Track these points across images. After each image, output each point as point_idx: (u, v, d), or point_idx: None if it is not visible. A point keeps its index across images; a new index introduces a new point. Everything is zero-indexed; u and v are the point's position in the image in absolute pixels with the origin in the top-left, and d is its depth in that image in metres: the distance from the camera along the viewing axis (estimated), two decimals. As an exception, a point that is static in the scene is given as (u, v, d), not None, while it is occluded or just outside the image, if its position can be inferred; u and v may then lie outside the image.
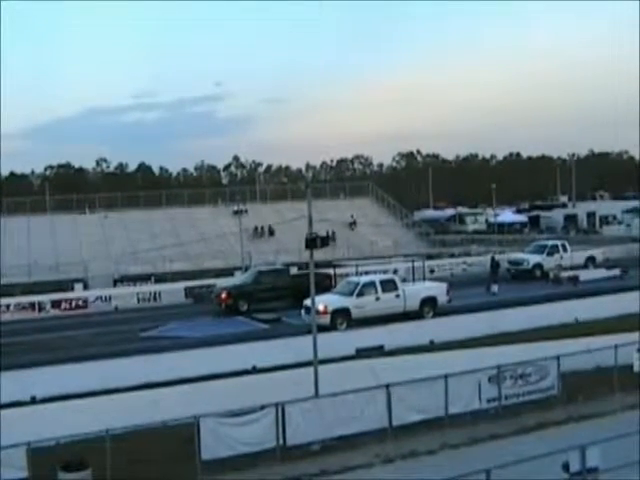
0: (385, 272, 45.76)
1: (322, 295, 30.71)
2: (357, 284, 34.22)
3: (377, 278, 35.74)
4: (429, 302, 34.98)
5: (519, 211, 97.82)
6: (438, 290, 35.89)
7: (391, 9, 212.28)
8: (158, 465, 17.07)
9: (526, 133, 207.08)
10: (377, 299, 33.72)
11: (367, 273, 44.00)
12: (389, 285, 34.51)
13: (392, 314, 33.19)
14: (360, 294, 33.54)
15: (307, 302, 32.53)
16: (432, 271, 51.19)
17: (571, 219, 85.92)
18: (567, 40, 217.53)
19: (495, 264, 47.17)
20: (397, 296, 34.14)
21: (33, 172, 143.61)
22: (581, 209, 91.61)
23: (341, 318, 32.50)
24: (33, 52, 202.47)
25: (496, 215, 78.55)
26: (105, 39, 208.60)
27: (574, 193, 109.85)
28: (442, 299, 35.41)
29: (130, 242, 64.80)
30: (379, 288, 34.01)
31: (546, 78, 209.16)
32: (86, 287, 52.72)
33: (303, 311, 33.18)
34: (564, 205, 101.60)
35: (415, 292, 35.12)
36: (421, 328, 31.29)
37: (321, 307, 30.32)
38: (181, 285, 48.84)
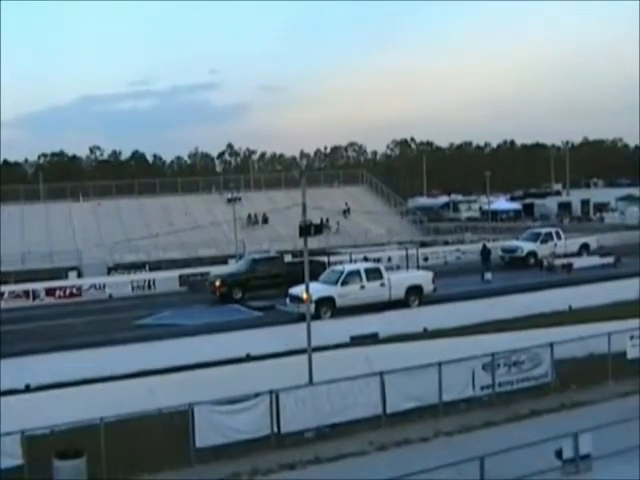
0: (379, 260, 45.91)
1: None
2: (342, 273, 34.10)
3: (362, 267, 35.72)
4: (415, 291, 34.87)
5: (513, 199, 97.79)
6: (424, 279, 35.80)
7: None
8: (153, 453, 17.10)
9: (520, 121, 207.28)
10: (362, 288, 33.63)
11: (366, 259, 44.14)
12: (374, 274, 34.41)
13: (377, 303, 33.18)
14: (345, 283, 33.45)
15: (292, 291, 32.73)
16: (426, 259, 51.24)
17: (565, 207, 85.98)
18: (561, 28, 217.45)
19: (486, 252, 47.20)
20: (382, 285, 34.09)
21: (27, 160, 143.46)
22: (575, 197, 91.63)
23: (325, 307, 32.36)
24: (27, 40, 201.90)
25: (490, 203, 78.38)
26: (100, 27, 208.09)
27: (568, 181, 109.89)
28: (428, 288, 35.30)
29: (124, 230, 64.58)
30: (364, 277, 33.91)
31: (540, 66, 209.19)
32: (80, 275, 52.57)
33: (288, 300, 33.20)
34: (558, 193, 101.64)
35: (400, 281, 35.01)
36: (415, 316, 31.35)
37: (305, 296, 30.32)
38: (175, 273, 48.74)
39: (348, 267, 35.59)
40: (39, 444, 16.39)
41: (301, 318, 29.56)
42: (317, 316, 31.44)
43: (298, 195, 23.31)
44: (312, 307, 31.38)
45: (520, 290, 35.52)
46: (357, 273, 34.15)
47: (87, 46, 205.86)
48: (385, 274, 34.74)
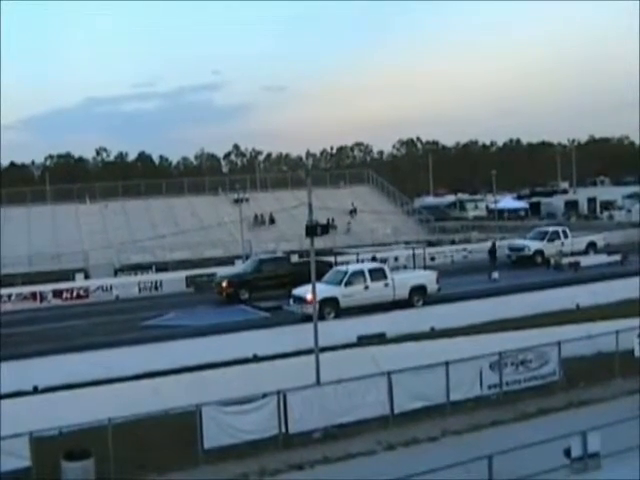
0: (386, 260, 45.86)
1: (310, 285, 30.39)
2: (345, 273, 34.04)
3: (365, 267, 35.65)
4: (418, 291, 34.81)
5: (520, 197, 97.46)
6: (427, 278, 35.76)
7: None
8: (160, 453, 17.13)
9: (526, 119, 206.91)
10: (366, 288, 33.56)
11: (375, 259, 44.06)
12: (378, 274, 34.35)
13: (381, 303, 33.13)
14: (348, 283, 33.38)
15: (295, 291, 32.76)
16: (433, 258, 51.19)
17: (572, 205, 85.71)
18: (566, 25, 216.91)
19: (494, 250, 47.11)
20: (386, 285, 34.04)
21: (33, 162, 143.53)
22: (582, 195, 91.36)
23: (329, 307, 32.20)
24: (31, 42, 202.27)
25: (496, 201, 78.22)
26: (104, 29, 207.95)
27: (574, 179, 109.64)
28: (432, 287, 35.26)
29: (131, 231, 64.69)
30: (368, 277, 33.84)
31: (546, 63, 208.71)
32: (87, 277, 52.67)
33: (291, 300, 33.17)
34: (564, 191, 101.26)
35: (404, 281, 34.94)
36: (422, 315, 31.29)
37: (308, 296, 30.23)
38: (182, 274, 48.81)
39: (352, 267, 35.53)
40: (47, 445, 16.42)
41: (305, 319, 29.60)
42: (321, 317, 31.34)
43: (304, 195, 23.35)
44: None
45: (527, 289, 35.43)
46: (361, 273, 34.10)
47: (91, 48, 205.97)
48: (389, 274, 34.69)
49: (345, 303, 32.87)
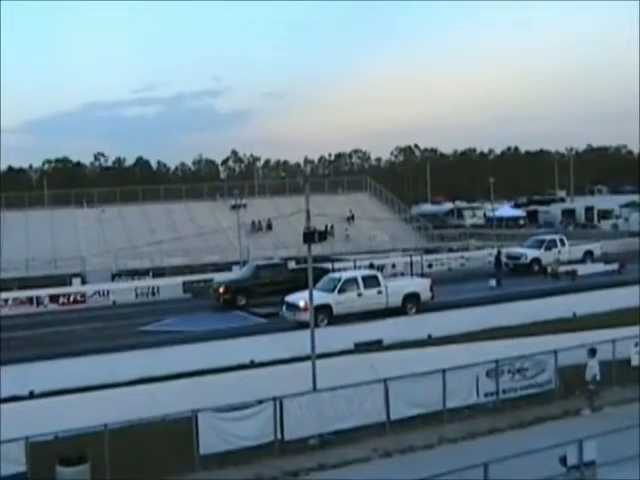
0: (383, 267, 45.89)
1: (303, 292, 30.38)
2: (339, 280, 33.98)
3: (359, 274, 35.61)
4: (412, 298, 34.73)
5: (517, 205, 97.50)
6: (421, 286, 35.71)
7: (390, 4, 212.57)
8: (156, 460, 17.07)
9: (524, 127, 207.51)
10: (359, 295, 33.48)
11: (372, 266, 44.03)
12: (371, 281, 34.29)
13: (374, 310, 33.08)
14: (342, 290, 33.30)
15: (288, 298, 32.66)
16: (430, 265, 51.22)
17: (569, 213, 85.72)
18: (565, 35, 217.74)
19: (497, 258, 47.15)
20: (379, 292, 33.97)
21: (31, 167, 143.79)
22: (579, 203, 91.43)
23: (322, 315, 31.81)
24: (33, 47, 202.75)
25: (494, 209, 78.26)
26: (105, 34, 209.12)
27: (572, 187, 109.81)
28: (425, 295, 35.21)
29: (128, 237, 64.60)
30: (361, 284, 33.78)
31: (544, 72, 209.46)
32: (84, 282, 52.52)
33: (284, 307, 33.10)
34: (562, 199, 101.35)
35: (398, 288, 34.88)
36: (419, 323, 31.27)
37: (302, 303, 30.20)
38: (179, 280, 48.77)
39: (345, 274, 35.50)
40: (43, 451, 16.38)
41: (298, 326, 29.59)
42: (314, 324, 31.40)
43: (302, 202, 23.32)
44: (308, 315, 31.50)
45: (524, 297, 35.43)
46: (354, 280, 34.01)
47: (92, 52, 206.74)
48: (382, 281, 34.64)
49: (338, 310, 32.81)
